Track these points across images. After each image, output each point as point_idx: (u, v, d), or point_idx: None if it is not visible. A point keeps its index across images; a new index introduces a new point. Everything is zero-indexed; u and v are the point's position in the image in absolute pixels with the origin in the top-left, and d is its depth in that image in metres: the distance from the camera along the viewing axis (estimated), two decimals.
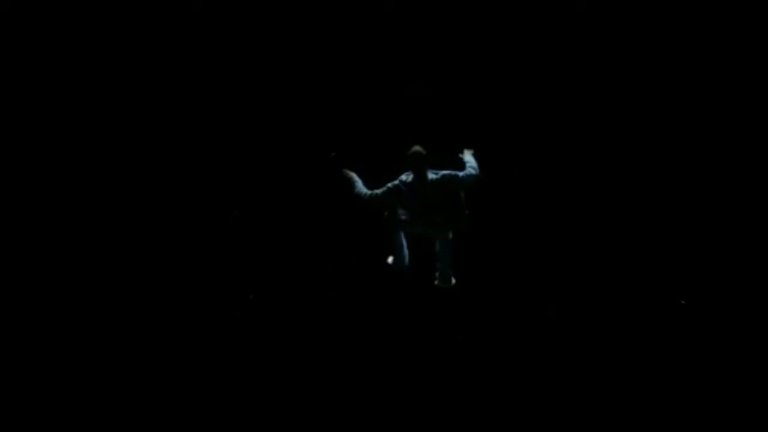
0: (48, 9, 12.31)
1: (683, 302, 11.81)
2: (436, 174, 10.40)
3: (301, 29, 12.45)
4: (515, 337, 11.73)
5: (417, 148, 10.35)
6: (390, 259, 10.89)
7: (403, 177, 10.39)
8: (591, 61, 12.38)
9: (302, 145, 12.32)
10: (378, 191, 10.39)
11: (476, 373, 11.53)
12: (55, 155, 12.17)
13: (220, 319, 11.81)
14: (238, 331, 11.76)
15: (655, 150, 12.19)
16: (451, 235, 10.71)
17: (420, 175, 10.33)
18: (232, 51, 12.39)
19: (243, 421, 11.40)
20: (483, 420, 11.33)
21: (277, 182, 12.29)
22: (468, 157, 10.70)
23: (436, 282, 10.91)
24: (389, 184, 10.39)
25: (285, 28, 12.45)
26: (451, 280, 10.87)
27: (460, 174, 10.46)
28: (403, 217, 10.54)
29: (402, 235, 10.75)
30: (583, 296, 11.87)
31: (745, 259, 11.87)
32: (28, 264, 11.88)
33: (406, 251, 10.84)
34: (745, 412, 11.23)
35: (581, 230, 12.09)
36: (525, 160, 12.27)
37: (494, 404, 11.41)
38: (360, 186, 10.46)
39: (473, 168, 10.53)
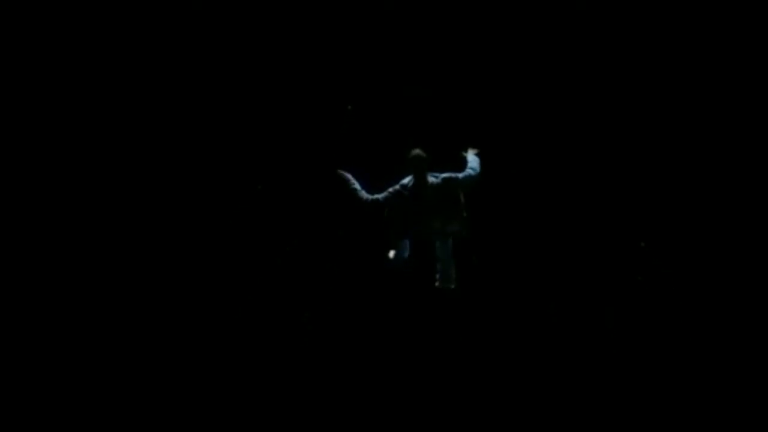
0: (48, 9, 12.33)
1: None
2: (436, 177, 10.34)
3: (303, 29, 12.46)
4: (515, 338, 11.75)
5: (417, 151, 10.26)
6: (391, 254, 10.90)
7: (404, 181, 10.32)
8: (591, 61, 12.39)
9: (302, 146, 12.34)
10: (379, 196, 10.31)
11: (477, 374, 11.55)
12: (75, 148, 12.22)
13: (219, 317, 11.84)
14: (238, 329, 11.79)
15: (656, 150, 12.21)
16: (451, 237, 10.72)
17: (420, 179, 10.29)
18: (230, 53, 12.40)
19: (243, 420, 11.43)
20: (483, 420, 11.36)
21: (275, 183, 12.31)
22: (471, 156, 10.67)
23: (436, 283, 10.91)
24: (390, 189, 10.31)
25: (287, 28, 12.47)
26: (452, 282, 10.84)
27: (460, 176, 10.41)
28: (403, 220, 10.53)
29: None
30: (583, 297, 11.89)
31: (747, 260, 11.90)
32: (39, 259, 11.95)
33: (407, 245, 10.87)
34: (745, 412, 11.27)
35: (581, 230, 12.11)
36: (525, 161, 12.28)
37: (495, 405, 11.44)
38: (358, 188, 10.36)
39: (473, 168, 10.48)
